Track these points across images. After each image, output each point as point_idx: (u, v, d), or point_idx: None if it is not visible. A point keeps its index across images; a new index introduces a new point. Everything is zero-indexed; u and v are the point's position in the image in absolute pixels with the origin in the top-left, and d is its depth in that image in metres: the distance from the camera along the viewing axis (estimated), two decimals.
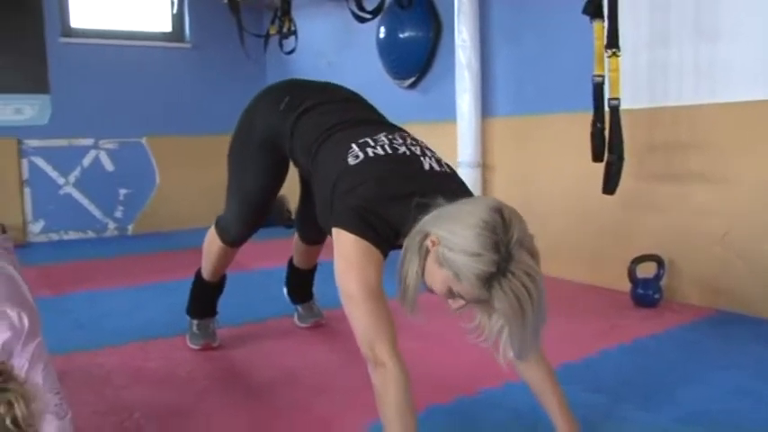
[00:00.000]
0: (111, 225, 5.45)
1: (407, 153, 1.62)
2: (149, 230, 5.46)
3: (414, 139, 1.75)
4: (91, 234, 5.37)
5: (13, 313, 1.43)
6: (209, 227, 2.38)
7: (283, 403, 1.98)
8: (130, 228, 5.51)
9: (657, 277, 2.93)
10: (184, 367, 2.30)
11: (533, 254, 1.33)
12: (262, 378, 2.19)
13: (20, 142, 5.09)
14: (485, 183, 3.86)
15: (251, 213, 2.22)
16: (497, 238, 1.29)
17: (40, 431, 1.36)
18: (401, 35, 4.26)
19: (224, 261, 2.39)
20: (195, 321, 2.49)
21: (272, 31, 4.92)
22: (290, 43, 4.86)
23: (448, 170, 1.65)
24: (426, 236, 1.37)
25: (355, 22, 4.08)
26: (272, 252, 3.62)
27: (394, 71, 4.42)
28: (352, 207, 1.50)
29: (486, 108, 3.83)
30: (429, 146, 1.77)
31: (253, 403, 1.98)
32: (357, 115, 1.87)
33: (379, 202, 1.50)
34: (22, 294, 1.54)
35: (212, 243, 2.35)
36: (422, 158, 1.62)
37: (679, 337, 2.51)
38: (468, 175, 3.79)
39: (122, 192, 5.44)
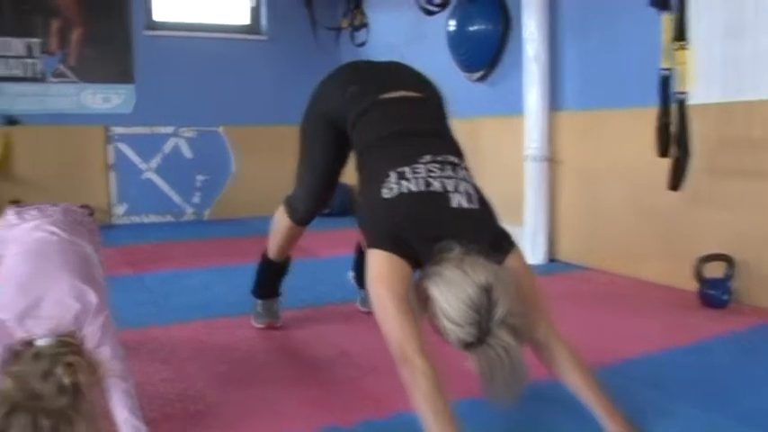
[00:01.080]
0: (189, 210, 5.69)
1: (439, 190, 1.70)
2: (224, 216, 5.67)
3: (454, 166, 1.79)
4: (169, 218, 5.62)
5: (83, 288, 1.56)
6: None
7: (337, 379, 2.07)
8: (206, 213, 5.73)
9: (727, 278, 2.85)
10: (246, 343, 2.42)
11: (515, 330, 1.48)
12: (318, 356, 2.29)
13: (107, 129, 5.38)
14: (552, 177, 3.83)
15: (318, 188, 2.32)
16: (479, 318, 1.45)
17: (106, 394, 1.49)
18: (470, 28, 4.27)
19: (290, 240, 2.49)
20: (260, 301, 2.61)
21: (344, 24, 5.02)
22: (361, 36, 4.95)
23: (476, 206, 1.72)
24: (426, 289, 1.54)
25: (426, 15, 4.12)
26: (340, 240, 3.71)
27: (463, 64, 4.43)
28: (384, 232, 1.68)
29: (553, 102, 3.80)
30: (468, 177, 1.80)
31: (308, 378, 2.08)
32: (409, 126, 1.92)
33: (405, 237, 1.65)
34: (93, 272, 1.67)
35: (280, 222, 2.45)
36: (452, 195, 1.70)
37: (745, 339, 2.45)
38: (535, 170, 3.79)
39: (199, 178, 5.67)
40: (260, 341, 2.45)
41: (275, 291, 2.62)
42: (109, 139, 5.40)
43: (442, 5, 3.89)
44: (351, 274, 2.84)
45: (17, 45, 5.19)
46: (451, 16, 4.36)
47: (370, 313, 2.73)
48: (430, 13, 3.91)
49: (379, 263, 1.64)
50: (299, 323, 2.64)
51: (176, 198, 5.64)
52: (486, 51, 4.24)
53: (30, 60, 5.23)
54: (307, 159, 2.29)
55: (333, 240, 3.92)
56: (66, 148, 5.27)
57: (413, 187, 1.70)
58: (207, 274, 3.55)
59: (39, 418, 1.25)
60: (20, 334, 1.46)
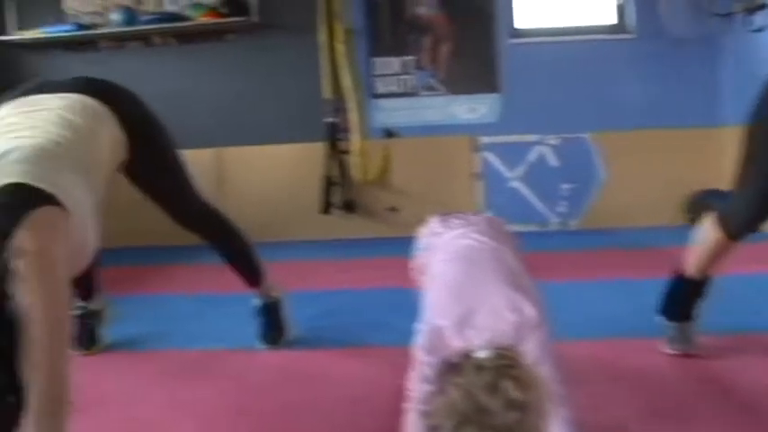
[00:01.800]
0: (554, 219, 5.55)
1: None
2: (594, 226, 5.40)
3: None
4: (533, 227, 5.53)
5: (519, 299, 1.46)
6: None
7: None
8: (573, 223, 5.53)
9: None
10: (658, 370, 2.17)
11: None
12: (755, 395, 1.93)
13: (472, 139, 5.52)
14: None
15: (764, 200, 2.02)
16: None
17: (543, 419, 1.35)
18: None
19: (716, 256, 2.20)
20: (672, 324, 2.33)
21: (737, 9, 4.43)
22: (759, 19, 4.31)
23: None
24: None
25: None
26: (746, 256, 3.20)
27: None
28: None
29: None
30: None
31: (753, 425, 1.73)
32: None
33: None
34: (523, 281, 1.57)
35: (708, 234, 2.18)
36: None
37: None
38: None
39: (565, 187, 5.49)
40: (674, 369, 2.17)
41: (690, 313, 2.31)
42: (475, 148, 5.54)
43: None
44: None
45: (394, 64, 5.63)
46: None
47: None
48: None
49: None
50: (720, 352, 2.28)
51: (540, 207, 5.56)
52: None
53: (404, 77, 5.62)
54: (754, 166, 2.00)
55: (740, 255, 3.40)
56: (435, 158, 5.53)
57: None
58: (596, 288, 3.32)
59: None
60: (456, 343, 1.40)
